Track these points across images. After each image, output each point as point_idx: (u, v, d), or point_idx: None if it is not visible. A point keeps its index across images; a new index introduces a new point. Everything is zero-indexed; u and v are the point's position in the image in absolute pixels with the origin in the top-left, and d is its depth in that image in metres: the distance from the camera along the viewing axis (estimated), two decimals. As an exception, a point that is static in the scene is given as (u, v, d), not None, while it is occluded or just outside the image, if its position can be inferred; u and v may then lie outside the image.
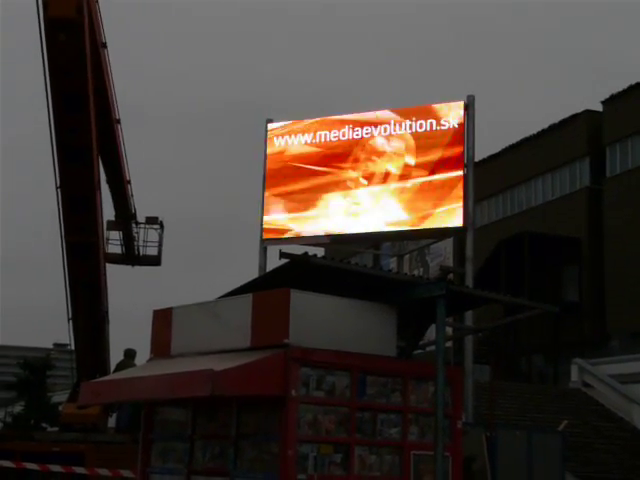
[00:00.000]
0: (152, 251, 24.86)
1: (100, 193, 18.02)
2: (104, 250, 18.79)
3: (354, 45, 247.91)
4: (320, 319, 8.38)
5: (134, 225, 23.99)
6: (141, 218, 24.38)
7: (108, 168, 21.23)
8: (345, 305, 8.63)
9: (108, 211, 23.23)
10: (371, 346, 8.66)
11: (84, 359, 19.06)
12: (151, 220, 24.70)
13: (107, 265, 24.52)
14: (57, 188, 17.44)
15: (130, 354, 18.52)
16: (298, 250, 9.68)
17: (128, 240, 24.18)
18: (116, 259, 24.60)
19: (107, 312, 19.39)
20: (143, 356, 9.98)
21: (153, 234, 24.87)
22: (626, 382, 26.81)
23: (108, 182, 21.81)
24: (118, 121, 20.17)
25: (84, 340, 18.94)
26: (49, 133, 16.66)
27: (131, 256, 24.59)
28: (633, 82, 36.49)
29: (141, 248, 24.69)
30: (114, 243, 24.28)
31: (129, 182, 22.31)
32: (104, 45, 18.07)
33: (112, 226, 23.89)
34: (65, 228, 17.82)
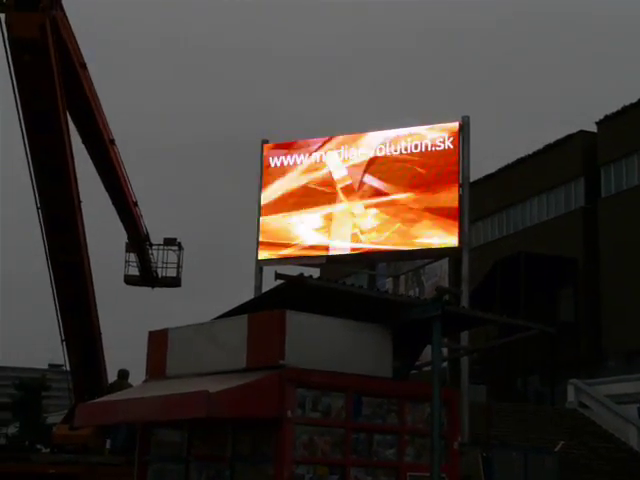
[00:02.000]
0: (171, 272, 24.74)
1: (81, 213, 17.93)
2: (90, 270, 18.68)
3: (347, 69, 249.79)
4: (316, 340, 8.38)
5: (149, 246, 23.84)
6: (160, 239, 24.33)
7: (110, 190, 21.13)
8: (341, 326, 8.63)
9: (122, 233, 23.20)
10: (367, 367, 8.66)
11: (78, 380, 18.99)
12: (169, 241, 24.56)
13: (128, 287, 24.54)
14: (37, 209, 17.45)
15: (124, 375, 18.48)
16: (294, 270, 9.70)
17: (144, 262, 24.08)
18: (135, 281, 24.54)
19: (100, 332, 19.30)
20: (139, 377, 9.96)
21: (172, 256, 24.77)
22: (622, 402, 26.77)
23: (113, 204, 21.71)
24: (112, 142, 20.06)
25: (77, 361, 18.87)
26: (24, 153, 16.70)
27: (149, 278, 24.43)
28: (627, 103, 36.71)
29: (160, 269, 24.56)
30: (134, 265, 24.23)
31: (136, 203, 22.12)
32: (83, 66, 17.93)
33: (129, 248, 23.84)
34: (48, 249, 17.80)
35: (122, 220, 22.41)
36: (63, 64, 16.51)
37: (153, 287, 24.83)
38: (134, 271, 24.41)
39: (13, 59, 15.40)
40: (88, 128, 18.97)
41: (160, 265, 24.55)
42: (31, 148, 16.59)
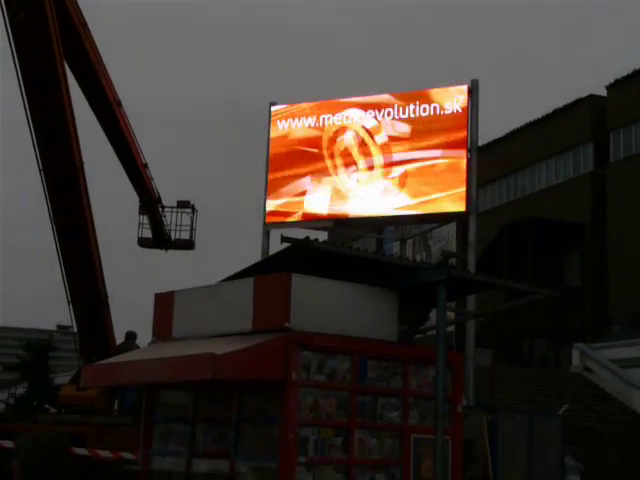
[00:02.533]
0: (185, 235, 24.70)
1: (84, 175, 17.89)
2: (94, 233, 18.68)
3: (353, 31, 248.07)
4: (321, 303, 8.40)
5: (161, 209, 23.78)
6: (172, 202, 24.31)
7: (119, 152, 21.07)
8: (346, 289, 8.64)
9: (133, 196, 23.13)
10: (372, 330, 8.68)
11: (85, 342, 19.12)
12: (183, 204, 24.43)
13: (142, 249, 24.52)
14: (40, 171, 17.43)
15: (131, 336, 18.58)
16: (301, 234, 9.69)
17: (156, 224, 24.02)
18: (149, 244, 24.52)
19: (106, 295, 19.36)
20: (147, 339, 10.01)
21: (186, 218, 24.69)
22: (627, 367, 26.89)
23: (124, 167, 21.67)
24: (119, 103, 19.96)
25: (83, 323, 18.98)
26: (25, 114, 16.64)
27: (162, 240, 24.33)
28: (638, 67, 36.37)
29: (173, 232, 24.46)
30: (148, 228, 24.19)
31: (146, 165, 21.95)
32: (83, 24, 17.62)
33: (142, 211, 23.81)
34: (52, 211, 17.80)
35: (133, 183, 22.38)
36: (62, 22, 16.39)
37: (167, 250, 24.83)
38: (148, 234, 24.41)
39: (9, 17, 15.29)
40: (93, 89, 18.90)
41: (173, 228, 24.52)
42: (31, 108, 16.52)
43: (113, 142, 20.73)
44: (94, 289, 18.82)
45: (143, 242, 24.48)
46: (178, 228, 24.55)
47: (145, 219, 24.10)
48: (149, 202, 23.16)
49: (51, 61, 15.93)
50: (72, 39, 17.27)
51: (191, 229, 24.68)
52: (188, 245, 24.84)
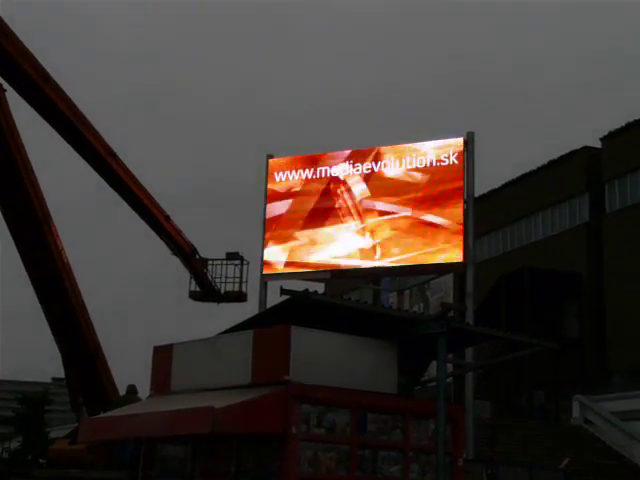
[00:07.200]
0: (236, 287, 24.16)
1: (50, 228, 17.77)
2: (74, 286, 18.42)
3: (349, 79, 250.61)
4: (321, 356, 8.36)
5: (204, 261, 23.37)
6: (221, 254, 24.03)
7: (132, 205, 20.77)
8: (346, 342, 8.60)
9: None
10: (372, 383, 8.63)
11: (75, 394, 18.88)
12: (231, 256, 24.12)
13: (194, 302, 24.14)
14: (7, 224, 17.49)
15: (133, 390, 18.43)
16: (299, 286, 9.67)
17: (198, 277, 23.64)
18: (199, 297, 24.16)
19: (98, 347, 19.08)
20: (144, 392, 9.93)
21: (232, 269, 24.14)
22: (628, 419, 26.62)
23: (144, 220, 21.28)
24: (111, 154, 19.43)
25: (73, 375, 18.77)
26: None
27: (210, 293, 23.95)
28: (631, 119, 36.69)
29: (223, 284, 23.98)
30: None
31: (168, 218, 21.67)
32: (45, 79, 17.60)
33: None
34: (24, 263, 17.77)
35: (159, 235, 21.93)
36: (18, 79, 16.58)
37: (218, 303, 24.40)
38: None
39: None
40: (76, 141, 18.77)
41: (223, 280, 24.01)
42: None
43: (120, 194, 20.36)
44: (82, 341, 18.61)
45: (193, 295, 24.17)
46: (229, 280, 24.03)
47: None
48: (183, 254, 22.76)
49: None
50: (35, 93, 17.36)
51: (241, 281, 24.18)
52: (239, 297, 24.26)
